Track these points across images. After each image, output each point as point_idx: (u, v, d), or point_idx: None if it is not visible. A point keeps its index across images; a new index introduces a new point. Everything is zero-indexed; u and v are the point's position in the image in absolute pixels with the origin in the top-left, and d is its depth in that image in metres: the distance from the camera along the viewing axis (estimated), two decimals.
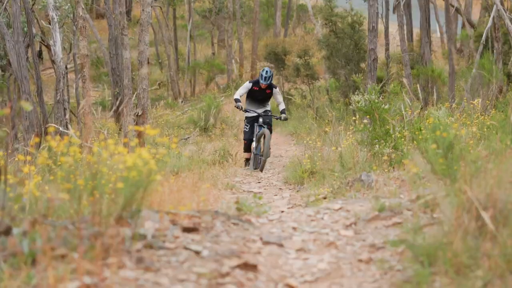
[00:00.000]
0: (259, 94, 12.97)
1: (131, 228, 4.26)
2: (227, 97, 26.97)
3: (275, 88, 13.08)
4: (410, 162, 5.84)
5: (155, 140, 11.51)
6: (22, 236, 3.63)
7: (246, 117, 13.12)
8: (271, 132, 12.77)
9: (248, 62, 32.82)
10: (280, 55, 24.95)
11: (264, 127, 12.64)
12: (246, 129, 13.02)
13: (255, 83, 12.95)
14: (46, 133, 12.79)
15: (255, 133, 12.79)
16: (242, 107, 12.68)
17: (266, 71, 12.79)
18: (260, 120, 12.81)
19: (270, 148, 12.32)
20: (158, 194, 6.02)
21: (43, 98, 13.98)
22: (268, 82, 12.71)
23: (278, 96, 13.09)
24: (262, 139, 12.56)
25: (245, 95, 13.18)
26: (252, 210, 5.87)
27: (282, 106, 13.08)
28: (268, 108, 13.25)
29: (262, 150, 12.39)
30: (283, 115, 12.90)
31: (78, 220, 3.95)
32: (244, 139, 13.09)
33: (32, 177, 5.45)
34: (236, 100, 12.69)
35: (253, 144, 12.80)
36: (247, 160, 13.14)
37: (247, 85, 12.97)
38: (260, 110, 13.04)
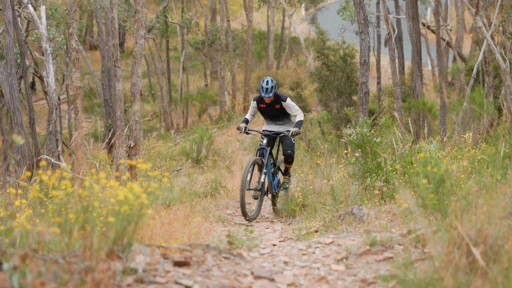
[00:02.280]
0: (270, 111, 10.79)
1: (122, 262, 4.25)
2: (219, 128, 27.04)
3: (284, 101, 10.58)
4: (401, 196, 5.86)
5: (147, 173, 11.49)
6: (13, 270, 3.61)
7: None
8: (292, 161, 10.75)
9: (241, 93, 32.96)
10: None
11: (266, 151, 10.48)
12: (262, 142, 10.66)
13: (259, 99, 10.77)
14: (38, 165, 12.77)
15: (265, 158, 10.45)
16: (241, 128, 10.61)
17: (267, 81, 10.43)
18: (264, 141, 10.60)
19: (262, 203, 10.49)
20: (149, 228, 6.02)
21: (35, 129, 13.99)
22: (270, 94, 10.39)
23: (291, 109, 10.64)
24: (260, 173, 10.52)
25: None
26: (243, 244, 5.86)
27: (298, 118, 10.61)
28: (290, 123, 10.95)
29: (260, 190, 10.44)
30: (294, 129, 10.45)
31: (68, 254, 3.93)
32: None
33: (23, 211, 5.44)
34: (243, 121, 10.82)
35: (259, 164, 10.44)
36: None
37: (252, 104, 10.90)
38: (274, 129, 10.88)
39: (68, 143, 19.26)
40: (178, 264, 4.60)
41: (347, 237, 6.09)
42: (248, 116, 10.88)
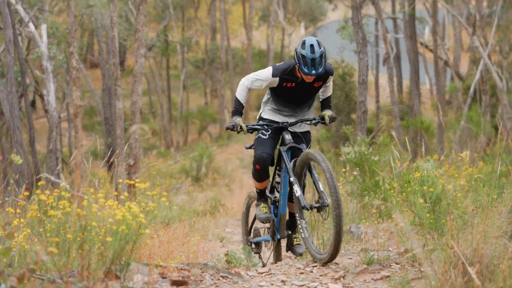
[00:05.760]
0: (298, 95, 6.39)
1: (120, 281, 4.27)
2: (219, 146, 27.09)
3: (332, 74, 6.38)
4: (398, 215, 5.88)
5: (146, 192, 11.48)
6: None
7: (262, 118, 6.60)
8: None
9: None
10: None
11: (303, 150, 6.26)
12: (265, 135, 6.43)
13: (287, 74, 6.25)
14: (37, 184, 12.80)
15: (286, 160, 6.29)
16: (240, 127, 6.25)
17: (311, 45, 6.07)
18: (288, 137, 6.37)
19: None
20: (147, 247, 6.03)
21: (35, 147, 14.03)
22: (320, 69, 6.02)
23: (329, 89, 6.62)
24: (310, 174, 6.45)
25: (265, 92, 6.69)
26: (241, 263, 5.88)
27: (328, 93, 6.63)
28: (310, 115, 6.66)
29: (321, 198, 6.37)
30: (327, 113, 6.61)
31: (66, 274, 3.95)
32: (256, 157, 6.45)
33: (22, 230, 5.47)
34: (236, 110, 6.32)
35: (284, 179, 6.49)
36: (261, 195, 6.73)
37: (267, 77, 6.28)
38: (291, 119, 6.49)
39: (68, 161, 19.29)
40: (176, 283, 4.62)
41: (344, 255, 6.11)
42: (243, 102, 6.36)
